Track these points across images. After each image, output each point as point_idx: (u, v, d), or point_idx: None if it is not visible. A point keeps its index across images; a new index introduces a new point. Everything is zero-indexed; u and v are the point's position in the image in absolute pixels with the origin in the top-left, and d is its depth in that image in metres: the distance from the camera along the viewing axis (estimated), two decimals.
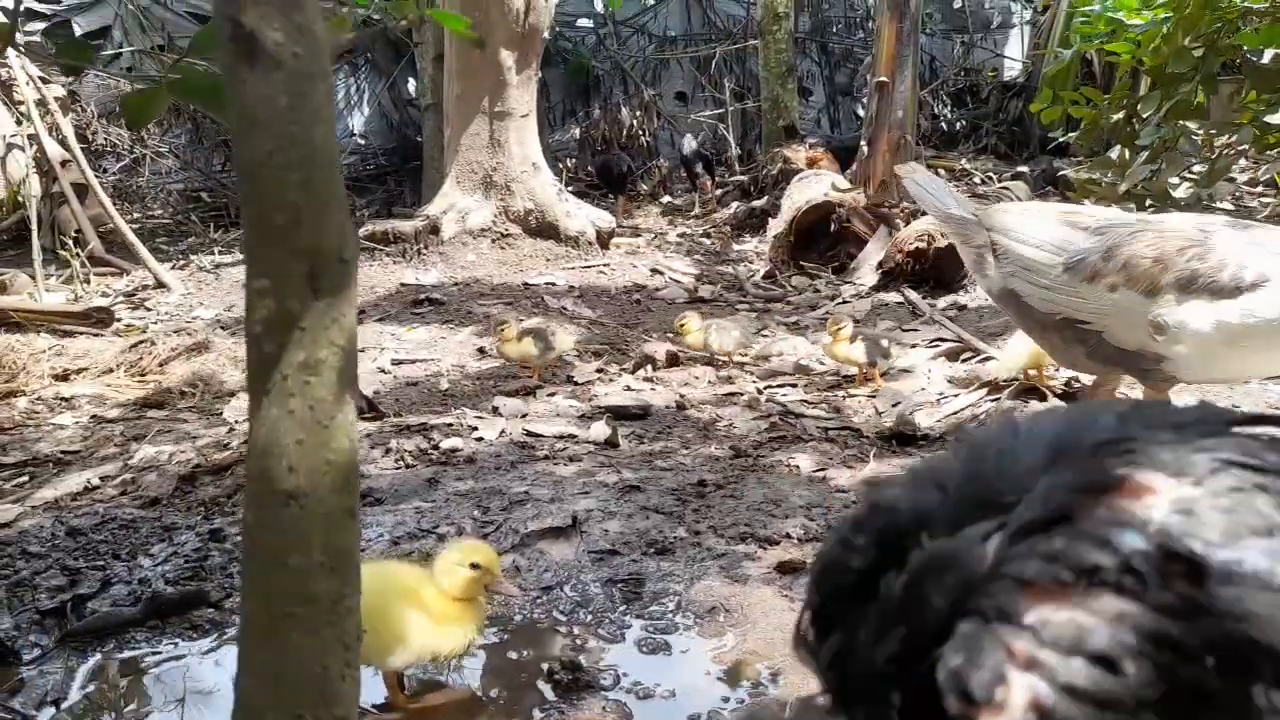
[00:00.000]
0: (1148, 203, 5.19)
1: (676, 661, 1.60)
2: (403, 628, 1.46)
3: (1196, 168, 5.41)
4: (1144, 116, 5.49)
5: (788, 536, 2.12)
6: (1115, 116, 5.81)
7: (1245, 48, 5.00)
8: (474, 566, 1.49)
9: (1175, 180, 5.02)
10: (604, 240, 6.30)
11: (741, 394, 3.55)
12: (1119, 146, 5.35)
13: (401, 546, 2.12)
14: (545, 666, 1.59)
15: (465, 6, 5.81)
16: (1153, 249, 2.18)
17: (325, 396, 0.93)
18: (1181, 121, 5.25)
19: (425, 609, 1.49)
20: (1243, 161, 6.56)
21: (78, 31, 8.42)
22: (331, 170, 0.93)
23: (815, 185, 6.56)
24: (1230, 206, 5.58)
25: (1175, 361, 2.16)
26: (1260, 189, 6.74)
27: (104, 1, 8.61)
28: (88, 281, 5.72)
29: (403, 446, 2.83)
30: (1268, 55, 4.84)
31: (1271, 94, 5.05)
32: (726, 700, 1.46)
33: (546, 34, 6.10)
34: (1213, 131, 5.10)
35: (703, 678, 1.54)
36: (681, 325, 3.81)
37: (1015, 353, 3.16)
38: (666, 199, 9.48)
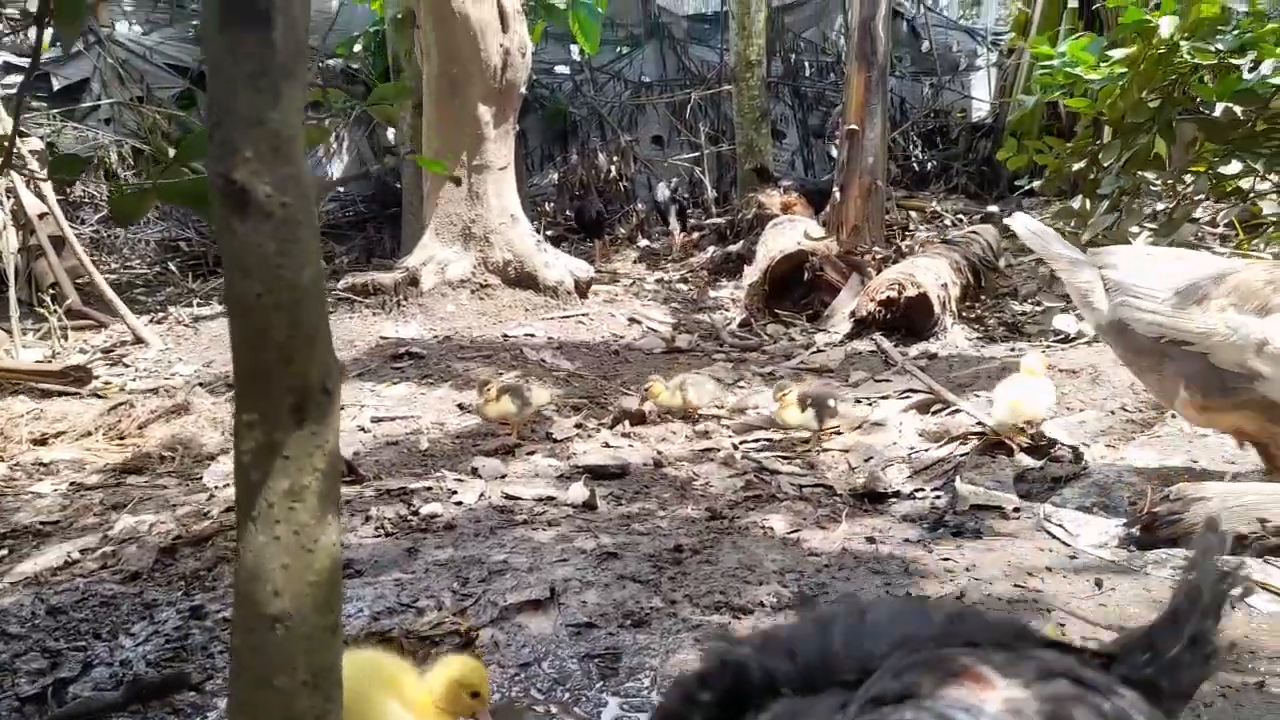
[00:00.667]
0: None
1: None
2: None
3: (1157, 215, 5.57)
4: (1105, 165, 5.67)
5: (761, 605, 2.17)
6: (1077, 165, 5.99)
7: (1199, 99, 5.20)
8: (474, 695, 1.55)
9: (1135, 229, 5.18)
10: (582, 289, 6.38)
11: (718, 450, 3.61)
12: (1081, 196, 5.52)
13: (381, 622, 2.15)
14: None
15: (444, 62, 5.93)
16: (1267, 272, 2.33)
17: (309, 521, 0.98)
18: (1140, 171, 5.43)
19: (411, 705, 1.53)
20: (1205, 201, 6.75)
21: (56, 85, 8.48)
22: (318, 307, 0.99)
23: (789, 233, 6.69)
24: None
25: (1272, 381, 2.26)
26: (1221, 229, 6.96)
27: (83, 54, 8.68)
28: (65, 337, 5.72)
29: (382, 514, 2.86)
30: (1219, 108, 5.02)
31: (1224, 145, 5.24)
32: None
33: (524, 89, 6.22)
34: (1170, 181, 5.27)
35: None
36: (649, 389, 3.92)
37: (1005, 404, 3.18)
38: (644, 243, 9.60)
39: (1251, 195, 5.69)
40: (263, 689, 0.96)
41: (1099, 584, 2.17)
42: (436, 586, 2.33)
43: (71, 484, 3.28)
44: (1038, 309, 5.61)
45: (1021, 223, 2.94)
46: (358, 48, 9.82)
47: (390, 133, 10.04)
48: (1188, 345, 2.41)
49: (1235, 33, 4.71)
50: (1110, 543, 2.44)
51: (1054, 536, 2.53)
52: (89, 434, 3.77)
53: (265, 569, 0.96)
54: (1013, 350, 4.77)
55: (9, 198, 6.37)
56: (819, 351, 5.16)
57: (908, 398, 4.09)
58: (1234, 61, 4.80)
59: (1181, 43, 4.84)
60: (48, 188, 6.44)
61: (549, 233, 10.17)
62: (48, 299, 5.92)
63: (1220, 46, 4.79)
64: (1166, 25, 4.78)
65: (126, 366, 5.20)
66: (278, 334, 0.96)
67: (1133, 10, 4.97)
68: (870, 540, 2.58)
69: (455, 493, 3.09)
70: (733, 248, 8.34)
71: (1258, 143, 5.22)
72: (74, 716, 1.79)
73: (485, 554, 2.55)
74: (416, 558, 2.54)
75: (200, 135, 1.56)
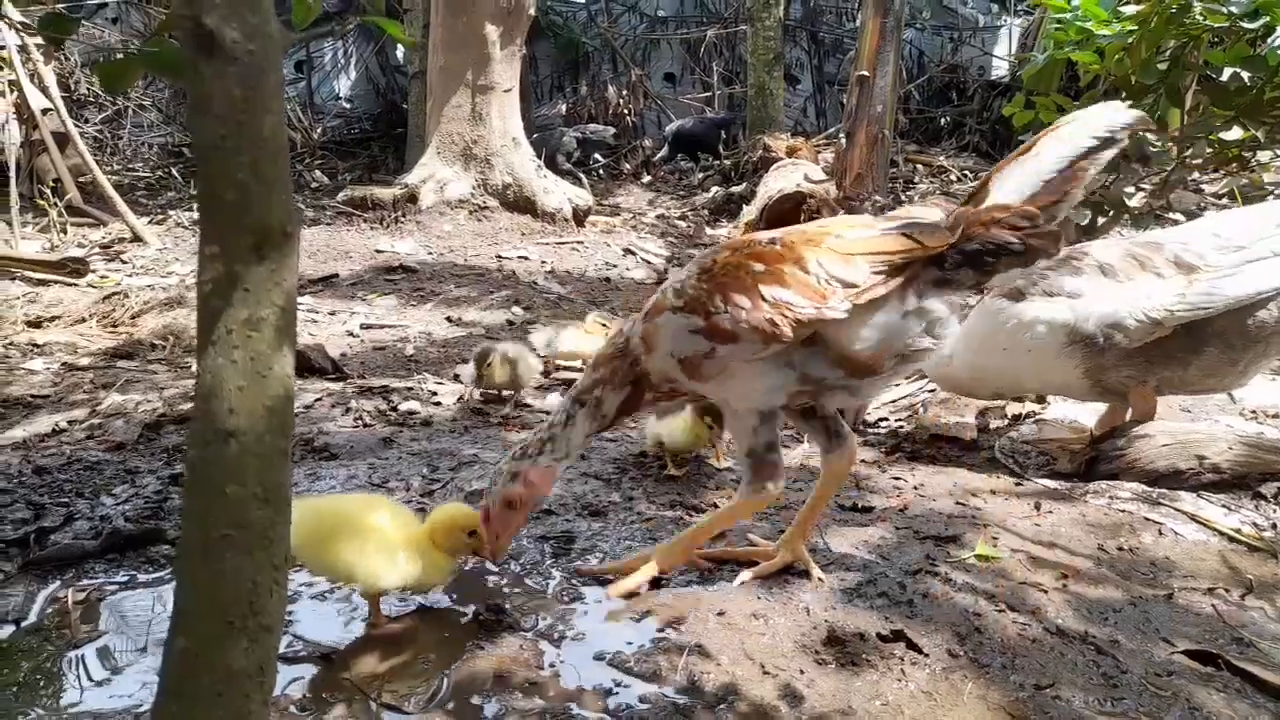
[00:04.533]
0: (1106, 209, 5.38)
1: (591, 609, 1.76)
2: (397, 555, 1.67)
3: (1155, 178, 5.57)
4: None
5: (713, 506, 2.28)
6: None
7: (1208, 64, 5.17)
8: (471, 534, 1.72)
9: (1130, 189, 5.19)
10: (580, 218, 6.42)
11: None
12: None
13: None
14: (473, 609, 1.74)
15: None
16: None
17: (265, 350, 1.06)
18: (1142, 132, 5.41)
19: (417, 546, 1.70)
20: (1217, 174, 6.74)
21: None
22: (279, 155, 1.06)
23: (790, 175, 6.70)
24: (1180, 217, 5.77)
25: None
26: (1225, 201, 6.96)
27: None
28: (64, 231, 5.78)
29: (362, 407, 2.96)
30: (1226, 73, 5.01)
31: (1228, 110, 5.22)
32: (630, 643, 1.62)
33: (533, 11, 6.17)
34: (1170, 144, 5.26)
35: (611, 624, 1.69)
36: (488, 365, 3.10)
37: None
38: (648, 178, 9.58)
39: (1254, 164, 5.68)
40: (215, 498, 1.05)
41: (1038, 507, 2.27)
42: (407, 472, 2.44)
43: (64, 364, 3.38)
44: None
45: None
46: None
47: (400, 51, 9.95)
48: None
49: None
50: (1056, 474, 2.54)
51: (1005, 466, 2.62)
52: (83, 320, 3.86)
53: (223, 389, 1.05)
54: None
55: (12, 91, 6.37)
56: None
57: None
58: (1245, 25, 4.77)
59: (1194, 3, 4.80)
60: (52, 82, 6.43)
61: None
62: (48, 193, 5.96)
63: (1233, 9, 4.75)
64: None
65: (124, 262, 5.27)
66: (239, 175, 1.03)
67: None
68: None
69: (435, 394, 3.19)
70: (735, 188, 8.35)
71: (1262, 110, 5.20)
72: (54, 559, 1.91)
73: (458, 448, 2.65)
74: (391, 447, 2.64)
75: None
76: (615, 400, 1.80)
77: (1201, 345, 2.31)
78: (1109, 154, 1.62)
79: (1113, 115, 1.65)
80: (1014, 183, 1.67)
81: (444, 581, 1.75)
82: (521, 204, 6.24)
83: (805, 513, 1.90)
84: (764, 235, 1.74)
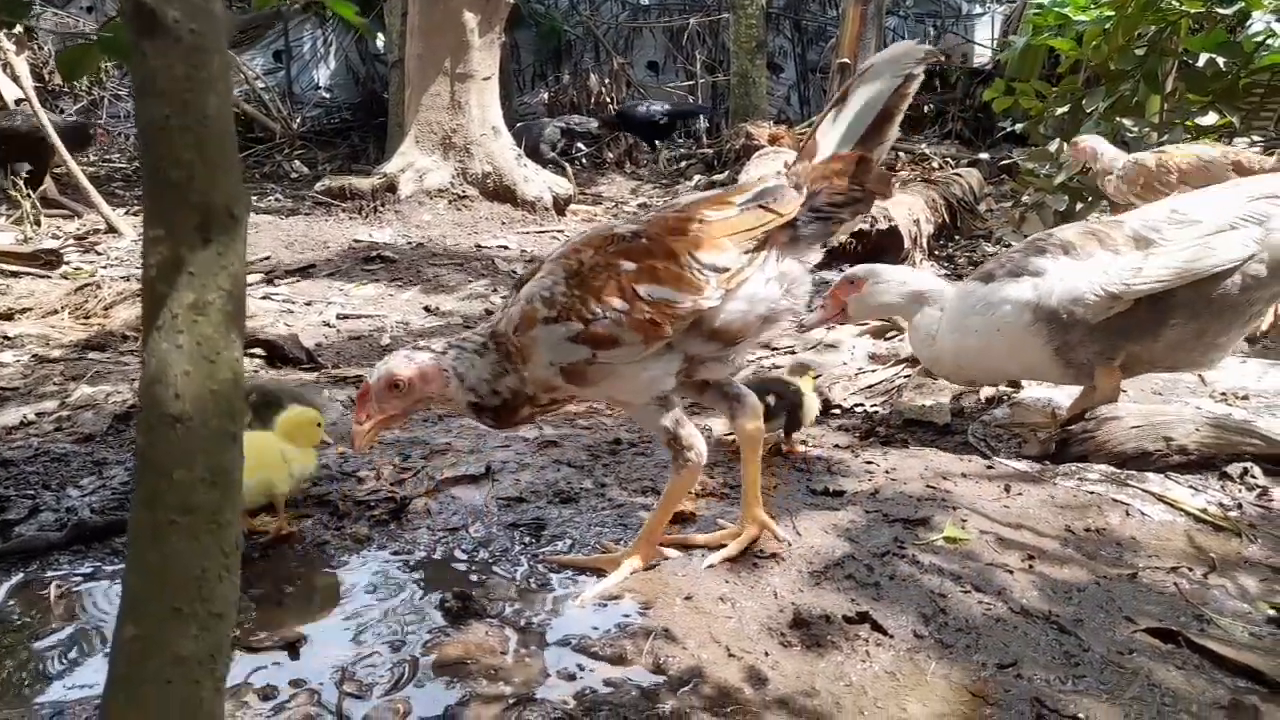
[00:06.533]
0: (1084, 195, 5.40)
1: (558, 595, 1.76)
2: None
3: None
4: (1088, 111, 5.67)
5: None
6: (1061, 110, 5.99)
7: (1186, 50, 5.19)
8: (319, 425, 2.02)
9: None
10: (560, 206, 6.39)
11: None
12: (1057, 139, 5.54)
13: (321, 487, 2.24)
14: (439, 596, 1.74)
15: None
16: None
17: (211, 334, 1.05)
18: (1119, 118, 5.44)
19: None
20: None
21: None
22: (224, 135, 1.04)
23: (771, 162, 6.69)
24: None
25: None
26: None
27: None
28: (38, 223, 5.71)
29: (335, 396, 2.94)
30: (1203, 59, 5.03)
31: (1204, 96, 5.25)
32: (596, 628, 1.62)
33: None
34: (1148, 129, 5.29)
35: (578, 610, 1.69)
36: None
37: None
38: (631, 167, 9.56)
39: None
40: (162, 481, 1.03)
41: (1007, 489, 2.28)
42: (379, 460, 2.43)
43: (34, 356, 3.34)
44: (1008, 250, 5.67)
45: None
46: None
47: (380, 40, 9.86)
48: None
49: None
50: (1027, 456, 2.55)
51: (977, 450, 2.64)
52: (55, 312, 3.82)
53: (168, 374, 1.03)
54: None
55: None
56: None
57: (864, 325, 4.16)
58: (1221, 11, 4.79)
59: None
60: (24, 72, 6.34)
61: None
62: (22, 184, 5.89)
63: None
64: None
65: (98, 254, 5.22)
66: (183, 155, 1.01)
67: None
68: (801, 444, 2.68)
69: None
70: (718, 176, 8.34)
71: (1238, 96, 5.23)
72: (18, 551, 1.89)
73: (431, 437, 2.64)
74: None
75: None
76: (510, 383, 1.71)
77: (1165, 319, 2.33)
78: (913, 87, 1.72)
79: (906, 54, 1.74)
80: (836, 134, 1.75)
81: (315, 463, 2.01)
82: (501, 193, 6.21)
83: (748, 482, 1.93)
84: (625, 228, 1.74)
